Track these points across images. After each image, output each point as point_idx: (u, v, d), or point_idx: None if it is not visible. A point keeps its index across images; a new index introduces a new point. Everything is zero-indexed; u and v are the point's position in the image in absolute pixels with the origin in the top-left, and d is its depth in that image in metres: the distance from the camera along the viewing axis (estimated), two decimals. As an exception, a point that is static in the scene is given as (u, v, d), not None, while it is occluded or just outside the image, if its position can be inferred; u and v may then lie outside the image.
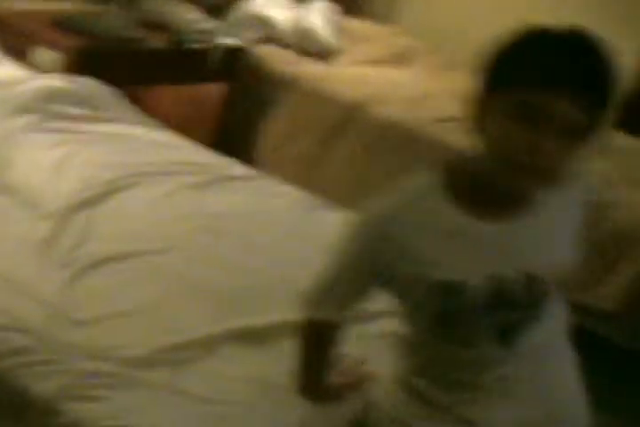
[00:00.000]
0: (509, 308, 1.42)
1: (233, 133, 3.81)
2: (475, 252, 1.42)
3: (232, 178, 2.81)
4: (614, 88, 1.36)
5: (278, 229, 2.55)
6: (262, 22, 3.91)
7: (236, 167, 2.93)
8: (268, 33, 3.92)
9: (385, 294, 1.48)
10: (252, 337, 2.01)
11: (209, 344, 1.96)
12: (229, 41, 3.76)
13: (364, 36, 4.25)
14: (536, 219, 1.44)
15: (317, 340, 1.53)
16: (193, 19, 3.70)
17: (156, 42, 3.57)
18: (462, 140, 3.17)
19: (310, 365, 1.54)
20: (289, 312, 1.85)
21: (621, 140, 3.55)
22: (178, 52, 3.61)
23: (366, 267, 1.44)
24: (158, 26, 3.62)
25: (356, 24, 4.35)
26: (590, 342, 2.82)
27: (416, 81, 4.03)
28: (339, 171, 3.47)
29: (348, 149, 3.45)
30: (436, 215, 1.41)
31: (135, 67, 3.51)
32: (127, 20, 3.53)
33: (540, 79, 1.33)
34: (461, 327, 1.43)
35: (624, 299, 2.86)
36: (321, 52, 3.96)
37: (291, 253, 2.39)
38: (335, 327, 1.51)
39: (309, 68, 3.78)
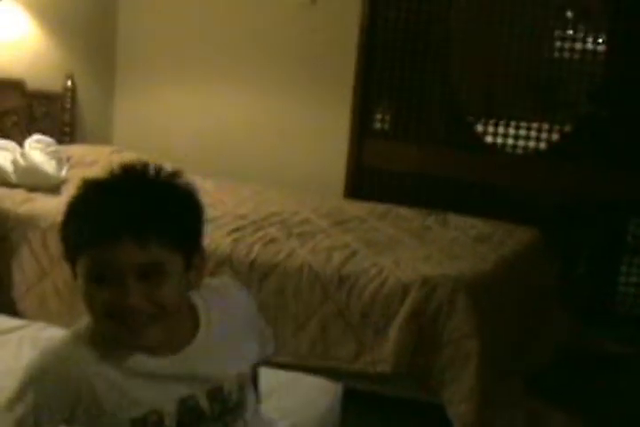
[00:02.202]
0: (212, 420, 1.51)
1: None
2: (159, 384, 1.45)
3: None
4: (183, 214, 1.41)
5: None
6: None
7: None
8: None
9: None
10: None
11: None
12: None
13: (86, 160, 4.37)
14: (206, 340, 1.50)
15: None
16: None
17: None
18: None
19: None
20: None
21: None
22: None
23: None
24: None
25: (74, 150, 4.48)
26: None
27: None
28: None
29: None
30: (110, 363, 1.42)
31: None
32: None
33: (97, 235, 1.32)
34: None
35: (396, 359, 3.10)
36: (50, 186, 4.00)
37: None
38: None
39: (43, 204, 3.79)
